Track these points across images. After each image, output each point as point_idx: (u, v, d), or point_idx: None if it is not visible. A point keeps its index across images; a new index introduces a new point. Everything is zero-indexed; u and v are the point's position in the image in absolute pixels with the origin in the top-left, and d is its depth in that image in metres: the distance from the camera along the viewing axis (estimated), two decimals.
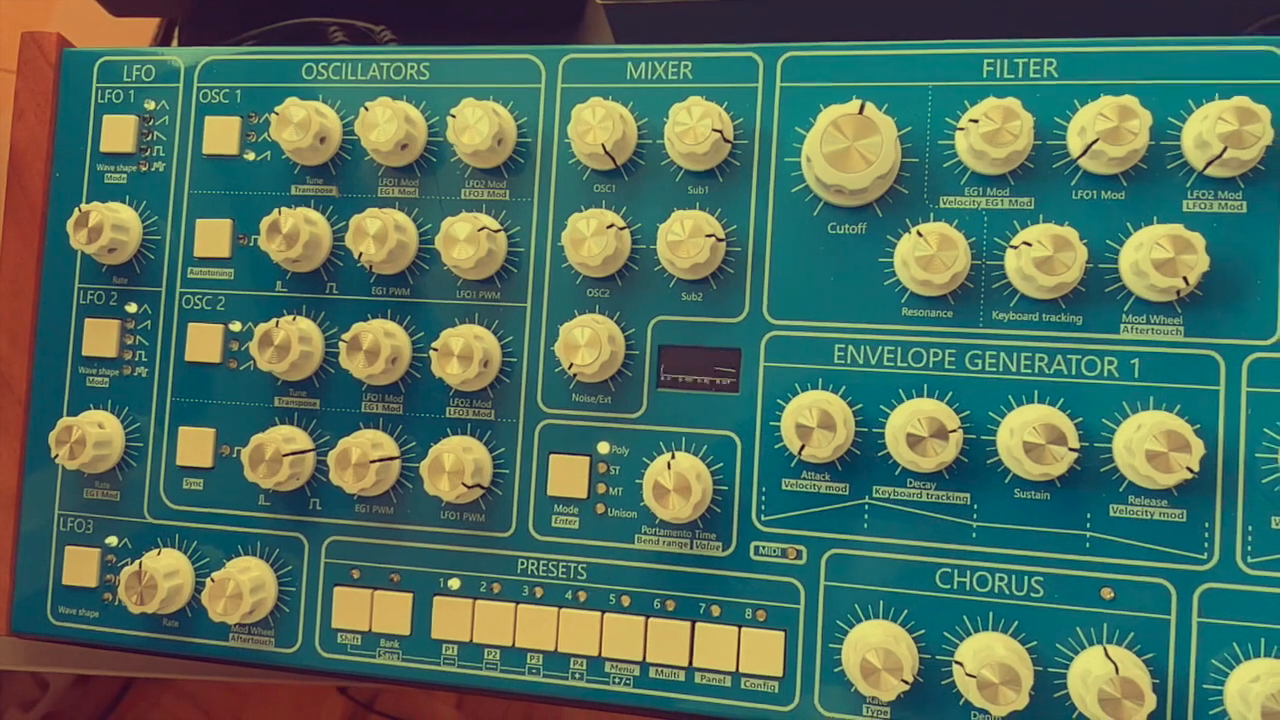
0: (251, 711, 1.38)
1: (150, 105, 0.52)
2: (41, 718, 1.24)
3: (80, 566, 0.51)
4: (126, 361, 0.51)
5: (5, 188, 0.53)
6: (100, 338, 0.51)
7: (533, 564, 0.47)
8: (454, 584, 0.48)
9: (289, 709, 1.38)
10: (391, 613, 0.48)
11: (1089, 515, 0.42)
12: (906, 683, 0.41)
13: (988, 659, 0.40)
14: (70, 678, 1.28)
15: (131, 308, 0.51)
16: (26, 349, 0.52)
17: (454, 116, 0.46)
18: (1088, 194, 0.43)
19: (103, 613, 0.51)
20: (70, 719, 1.30)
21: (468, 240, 0.46)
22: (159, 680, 1.38)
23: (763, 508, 0.45)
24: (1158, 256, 0.40)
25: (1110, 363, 0.42)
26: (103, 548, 0.51)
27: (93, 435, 0.49)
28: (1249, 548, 0.41)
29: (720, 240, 0.45)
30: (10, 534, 0.52)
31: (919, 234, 0.42)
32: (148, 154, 0.52)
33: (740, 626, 0.45)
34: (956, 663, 0.42)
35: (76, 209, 0.50)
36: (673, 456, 0.44)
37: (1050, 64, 0.44)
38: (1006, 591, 0.43)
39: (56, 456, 0.49)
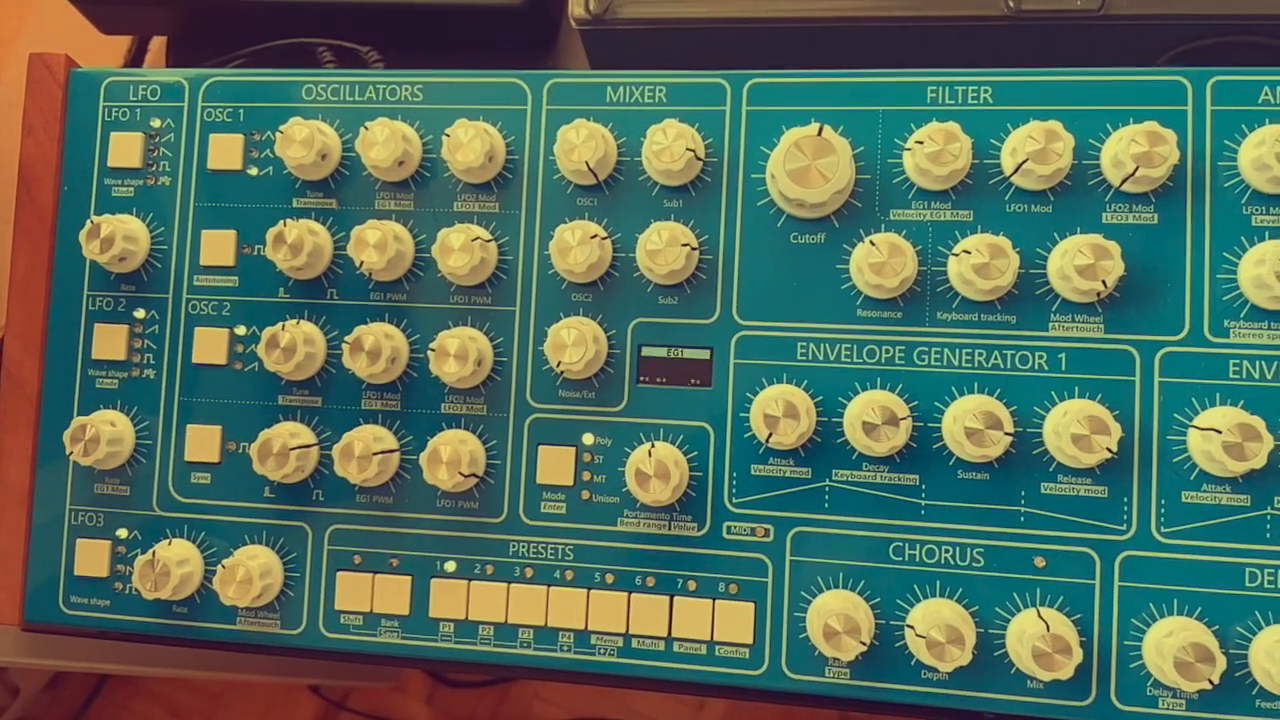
0: (223, 712, 1.39)
1: (156, 123, 0.55)
2: None
3: (91, 558, 0.54)
4: (135, 364, 0.55)
5: (15, 200, 0.56)
6: (109, 342, 0.55)
7: (523, 546, 0.51)
8: (450, 566, 0.52)
9: (261, 709, 1.39)
10: (391, 594, 0.52)
11: (1023, 492, 0.47)
12: (864, 644, 0.46)
13: (935, 621, 0.45)
14: (41, 682, 1.28)
15: (140, 313, 0.55)
16: (37, 353, 0.55)
17: (448, 136, 0.50)
18: (1019, 207, 0.48)
19: (114, 601, 0.54)
20: None
21: (462, 249, 0.50)
22: (130, 684, 1.39)
23: (734, 491, 0.49)
24: (1080, 263, 0.45)
25: (1040, 357, 0.48)
26: (113, 539, 0.54)
27: (106, 433, 0.52)
28: (1162, 519, 0.46)
29: (694, 249, 0.49)
30: (22, 528, 0.55)
31: (872, 243, 0.47)
32: (154, 169, 0.55)
33: (714, 599, 0.49)
34: (908, 626, 0.47)
35: (89, 221, 0.53)
36: (653, 446, 0.48)
37: (986, 91, 0.49)
38: (951, 562, 0.48)
39: (71, 453, 0.52)
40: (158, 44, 0.75)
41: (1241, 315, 0.46)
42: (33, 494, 0.55)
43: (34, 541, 0.55)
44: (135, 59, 0.75)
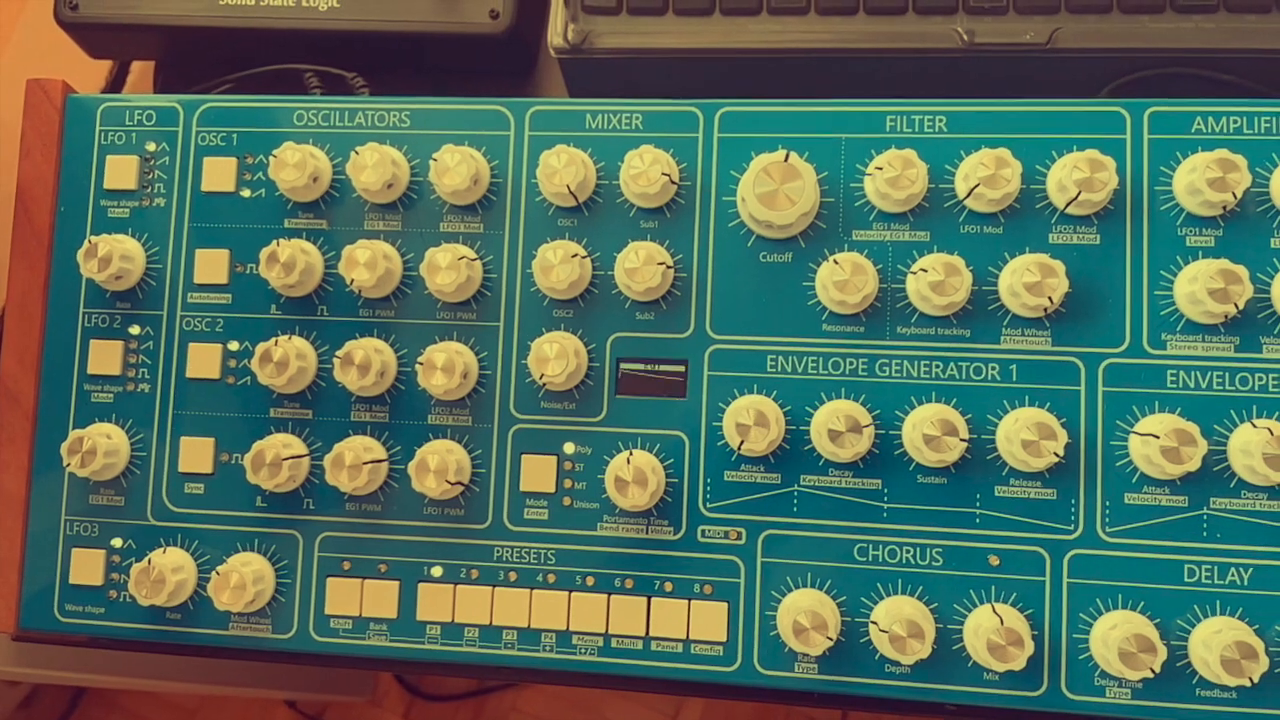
0: None
1: (151, 147, 0.58)
2: None
3: (86, 566, 0.56)
4: (130, 379, 0.56)
5: (13, 221, 0.58)
6: (105, 357, 0.56)
7: (507, 551, 0.53)
8: (436, 571, 0.54)
9: None
10: (380, 599, 0.54)
11: (978, 495, 0.50)
12: (831, 639, 0.48)
13: (897, 617, 0.48)
14: (14, 702, 1.28)
15: (135, 330, 0.57)
16: (33, 368, 0.57)
17: (435, 160, 0.53)
18: (972, 228, 0.52)
19: (108, 609, 0.56)
20: None
21: (449, 268, 0.52)
22: (105, 701, 1.39)
23: (708, 496, 0.52)
24: (1028, 280, 0.49)
25: (993, 368, 0.51)
26: (108, 549, 0.56)
27: (102, 445, 0.54)
28: (1107, 519, 0.50)
29: (669, 268, 0.52)
30: (19, 538, 0.56)
31: (836, 262, 0.50)
32: (149, 191, 0.57)
33: (690, 600, 0.52)
34: (872, 622, 0.49)
35: (87, 240, 0.55)
36: (631, 454, 0.51)
37: (941, 120, 0.53)
38: (912, 561, 0.51)
39: (69, 465, 0.54)
40: (138, 67, 0.77)
41: (1178, 329, 0.50)
42: (29, 504, 0.56)
43: (30, 550, 0.56)
44: (116, 81, 0.76)
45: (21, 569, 0.56)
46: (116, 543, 0.56)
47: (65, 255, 0.57)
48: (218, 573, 0.53)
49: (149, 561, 0.53)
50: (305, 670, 1.18)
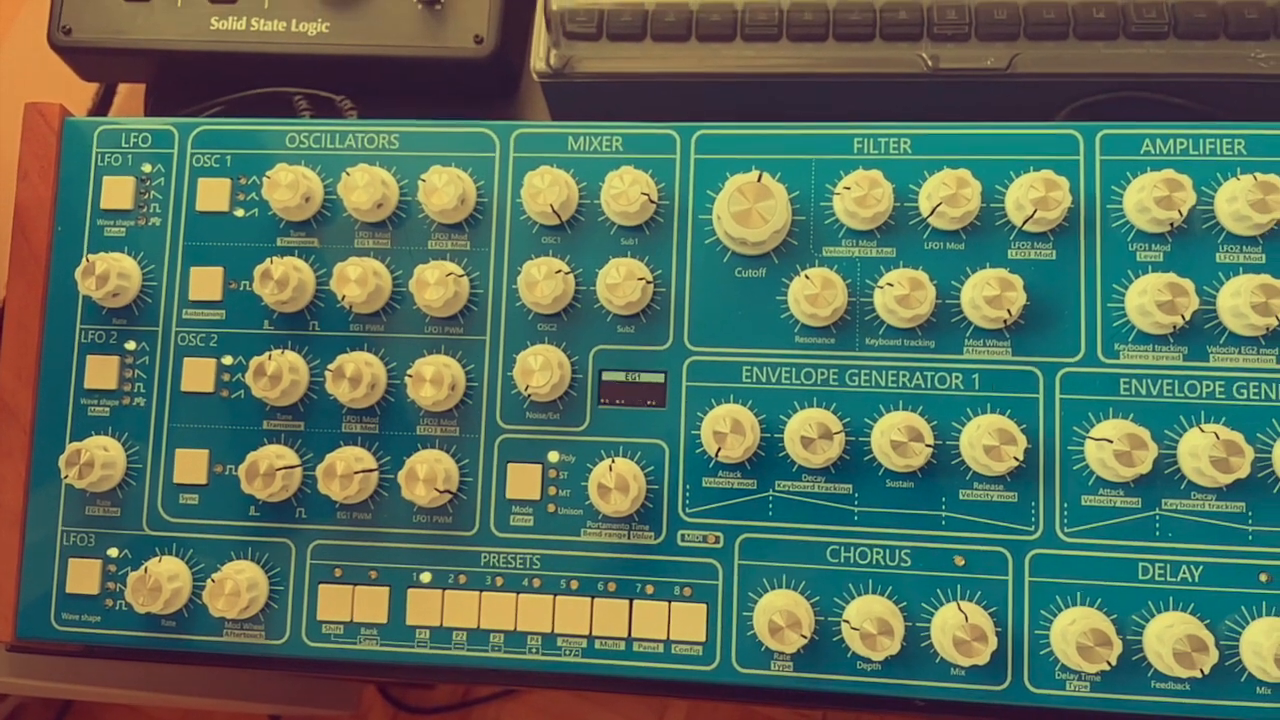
0: None
1: (147, 168, 0.60)
2: None
3: (83, 576, 0.57)
4: (126, 393, 0.58)
5: (10, 240, 0.59)
6: (101, 372, 0.58)
7: (494, 557, 0.55)
8: (425, 577, 0.56)
9: None
10: (370, 605, 0.56)
11: (943, 499, 0.53)
12: (805, 637, 0.50)
13: (868, 616, 0.50)
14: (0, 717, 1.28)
15: (130, 345, 0.58)
16: (31, 382, 0.58)
17: (424, 181, 0.55)
18: (936, 245, 0.54)
19: (104, 617, 0.57)
20: None
21: (437, 284, 0.54)
22: (91, 717, 1.39)
23: (687, 502, 0.54)
24: (988, 294, 0.51)
25: (956, 377, 0.53)
26: (104, 558, 0.57)
27: (99, 457, 0.56)
28: (1065, 521, 0.52)
29: (649, 283, 0.54)
30: (15, 549, 0.58)
31: (807, 277, 0.53)
32: (145, 211, 0.59)
33: (670, 602, 0.54)
34: (844, 621, 0.51)
35: (85, 259, 0.57)
36: (613, 461, 0.53)
37: (905, 143, 0.55)
38: (881, 562, 0.53)
39: (66, 477, 0.55)
40: (126, 86, 0.78)
41: (1129, 339, 0.53)
42: (25, 517, 0.58)
43: (26, 561, 0.58)
44: (103, 102, 0.78)
45: (18, 580, 0.58)
46: (113, 552, 0.57)
47: (62, 273, 0.59)
48: (212, 580, 0.54)
49: (145, 570, 0.55)
50: (289, 683, 1.18)
